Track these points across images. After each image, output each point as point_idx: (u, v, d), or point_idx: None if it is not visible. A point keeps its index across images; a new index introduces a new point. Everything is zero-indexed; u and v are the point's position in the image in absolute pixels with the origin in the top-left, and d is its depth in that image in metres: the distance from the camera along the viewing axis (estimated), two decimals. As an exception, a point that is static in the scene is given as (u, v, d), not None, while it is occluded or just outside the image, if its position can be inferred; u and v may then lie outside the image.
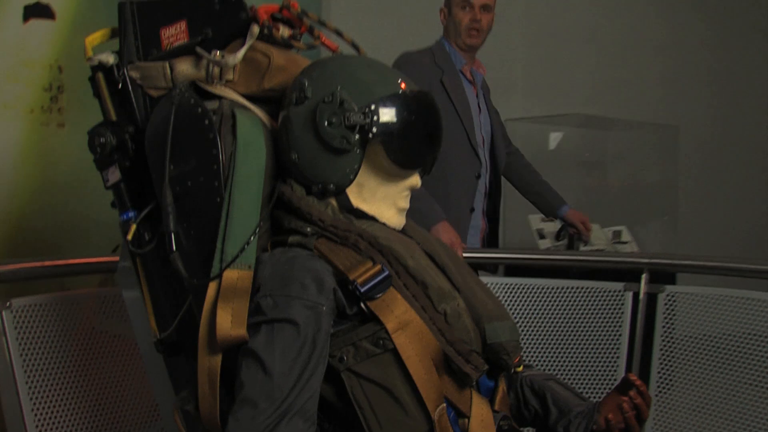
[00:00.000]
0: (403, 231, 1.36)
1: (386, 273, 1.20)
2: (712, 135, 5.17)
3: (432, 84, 2.74)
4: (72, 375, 1.94)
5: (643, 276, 2.38)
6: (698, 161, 5.05)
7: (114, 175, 1.44)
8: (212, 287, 1.21)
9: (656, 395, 2.30)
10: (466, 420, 1.23)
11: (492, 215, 2.89)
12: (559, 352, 2.44)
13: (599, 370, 2.40)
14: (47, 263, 2.02)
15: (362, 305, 1.19)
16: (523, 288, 2.49)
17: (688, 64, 5.11)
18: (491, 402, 1.31)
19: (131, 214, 1.42)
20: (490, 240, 2.91)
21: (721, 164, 5.19)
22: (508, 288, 2.48)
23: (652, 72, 4.97)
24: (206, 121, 1.30)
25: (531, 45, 4.41)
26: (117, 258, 2.40)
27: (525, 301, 2.47)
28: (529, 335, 2.45)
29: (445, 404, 1.20)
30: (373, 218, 1.32)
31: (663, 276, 2.44)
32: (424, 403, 1.17)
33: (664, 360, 2.32)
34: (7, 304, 1.86)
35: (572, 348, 2.44)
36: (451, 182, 2.74)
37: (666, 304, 2.33)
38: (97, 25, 2.76)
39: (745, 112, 5.30)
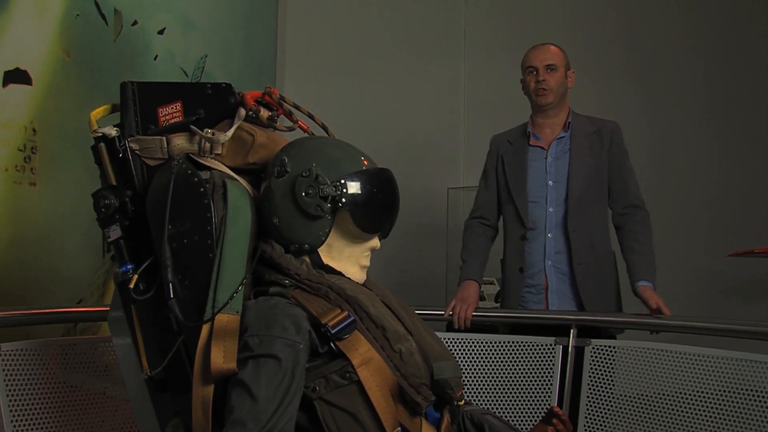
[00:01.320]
0: (364, 285, 1.61)
1: (352, 318, 1.45)
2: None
3: (497, 161, 2.98)
4: (55, 415, 2.10)
5: (572, 331, 2.63)
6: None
7: (115, 232, 1.65)
8: (205, 329, 1.43)
9: (585, 430, 2.56)
10: None
11: (566, 277, 2.84)
12: (498, 401, 2.68)
13: (533, 416, 2.63)
14: (33, 311, 2.19)
15: (332, 344, 1.43)
16: (466, 342, 2.73)
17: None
18: (438, 430, 1.54)
19: (129, 266, 1.63)
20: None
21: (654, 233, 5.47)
22: (452, 342, 2.71)
23: None
24: (201, 189, 1.54)
25: (474, 118, 4.69)
26: (86, 308, 2.59)
27: (467, 354, 2.71)
28: (471, 386, 2.68)
29: (400, 429, 1.43)
30: (340, 273, 1.57)
31: (589, 331, 2.69)
32: (383, 427, 1.40)
33: (591, 403, 2.57)
34: (-3, 348, 2.01)
35: (509, 397, 2.68)
36: (507, 247, 2.96)
37: (592, 355, 2.60)
38: (70, 92, 2.94)
39: (670, 181, 5.60)
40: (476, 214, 3.02)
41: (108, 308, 1.78)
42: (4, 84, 2.79)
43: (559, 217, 2.86)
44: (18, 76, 2.84)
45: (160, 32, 3.38)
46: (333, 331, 1.41)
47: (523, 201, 2.88)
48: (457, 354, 2.69)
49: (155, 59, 3.36)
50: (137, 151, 1.67)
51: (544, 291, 2.85)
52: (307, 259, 1.56)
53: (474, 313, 2.77)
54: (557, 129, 2.94)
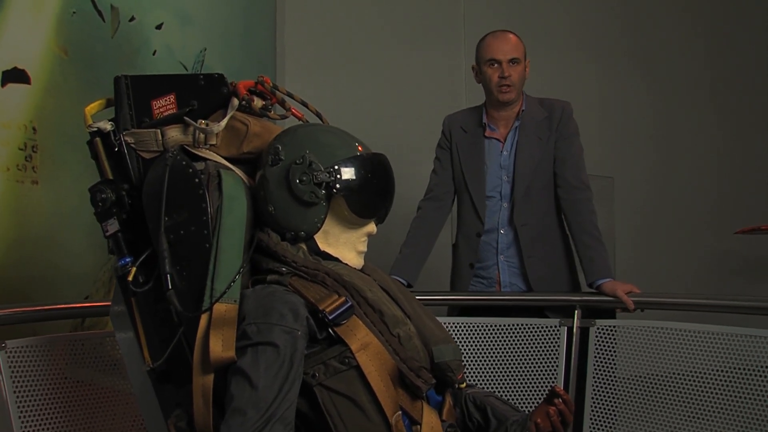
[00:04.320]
0: (362, 270, 1.61)
1: (349, 303, 1.45)
2: (643, 184, 5.45)
3: (451, 148, 2.92)
4: (62, 411, 2.11)
5: (576, 312, 2.64)
6: (632, 208, 5.30)
7: (113, 226, 1.65)
8: (204, 318, 1.43)
9: (591, 410, 2.57)
10: (419, 426, 1.46)
11: (518, 271, 2.84)
12: (503, 384, 2.68)
13: (540, 398, 2.62)
14: (39, 308, 2.21)
15: (330, 330, 1.43)
16: (469, 326, 2.72)
17: (622, 121, 5.38)
18: (439, 413, 1.54)
19: (128, 259, 1.63)
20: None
21: (653, 211, 5.46)
22: (457, 326, 2.71)
23: (591, 128, 5.08)
24: (196, 180, 1.54)
25: (475, 103, 4.70)
26: (92, 303, 2.61)
27: (471, 338, 2.71)
28: (476, 370, 2.69)
29: (400, 412, 1.43)
30: (337, 259, 1.57)
31: (594, 312, 2.68)
32: (383, 411, 1.41)
33: (597, 383, 2.58)
34: (2, 344, 2.03)
35: (515, 380, 2.68)
36: (459, 239, 2.94)
37: (597, 336, 2.60)
38: (69, 90, 2.95)
39: (676, 163, 5.60)
40: (430, 195, 2.96)
41: (114, 303, 1.79)
42: (3, 84, 2.80)
43: (510, 212, 2.84)
44: (16, 76, 2.85)
45: (158, 27, 3.38)
46: (331, 317, 1.42)
47: (481, 199, 2.85)
48: (462, 338, 2.69)
49: (154, 54, 3.36)
50: (132, 145, 1.67)
51: (497, 285, 2.86)
52: (304, 247, 1.56)
53: (476, 297, 2.80)
54: (511, 120, 2.89)
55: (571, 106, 2.89)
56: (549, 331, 2.66)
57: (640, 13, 5.54)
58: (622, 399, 2.54)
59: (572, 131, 2.86)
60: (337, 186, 1.52)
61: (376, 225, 1.62)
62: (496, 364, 2.69)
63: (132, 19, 3.26)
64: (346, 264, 1.57)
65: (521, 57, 2.82)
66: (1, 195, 2.80)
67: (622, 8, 5.45)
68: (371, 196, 1.57)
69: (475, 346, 2.70)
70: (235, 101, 1.62)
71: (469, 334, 2.71)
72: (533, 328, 2.69)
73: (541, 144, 2.84)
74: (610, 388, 2.56)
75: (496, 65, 2.81)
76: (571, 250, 2.90)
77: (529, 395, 2.65)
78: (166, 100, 1.67)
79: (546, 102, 2.91)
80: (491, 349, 2.69)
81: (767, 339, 2.33)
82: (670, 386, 2.46)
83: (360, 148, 1.57)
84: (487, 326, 2.71)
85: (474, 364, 2.67)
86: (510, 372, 2.67)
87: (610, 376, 2.56)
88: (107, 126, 1.68)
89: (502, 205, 2.85)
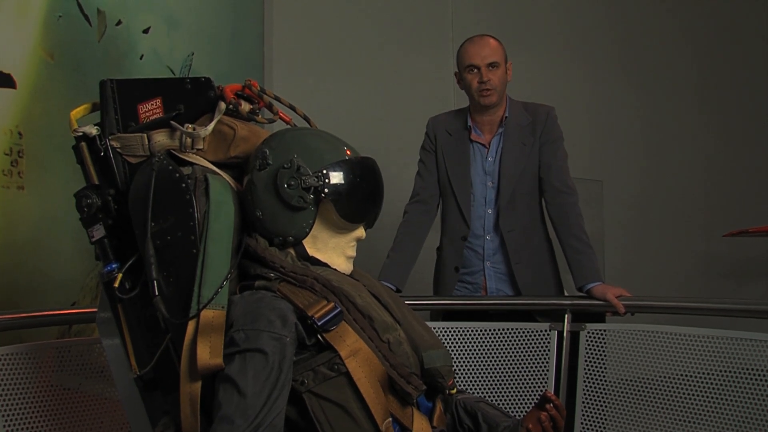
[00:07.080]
0: (351, 275, 1.60)
1: (338, 309, 1.43)
2: (633, 188, 5.45)
3: (436, 150, 2.92)
4: (48, 419, 2.09)
5: (566, 316, 2.63)
6: (621, 212, 5.31)
7: (98, 231, 1.63)
8: (191, 325, 1.42)
9: (582, 414, 2.56)
10: None
11: (505, 277, 2.85)
12: (494, 389, 2.67)
13: (530, 403, 2.62)
14: (26, 314, 2.19)
15: (319, 336, 1.42)
16: (459, 331, 2.71)
17: (611, 124, 5.39)
18: (430, 419, 1.53)
19: (114, 265, 1.62)
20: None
21: (642, 214, 5.46)
22: (447, 331, 2.70)
23: (580, 132, 4.92)
24: (183, 185, 1.52)
25: (464, 106, 4.71)
26: (79, 310, 2.58)
27: (461, 343, 2.69)
28: (467, 375, 2.67)
29: (390, 419, 1.42)
30: (326, 265, 1.56)
31: (584, 315, 2.68)
32: (373, 418, 1.39)
33: (587, 386, 2.58)
34: (-16, 352, 2.00)
35: (505, 384, 2.67)
36: (443, 242, 2.94)
37: (587, 339, 2.59)
38: (55, 94, 2.92)
39: (664, 167, 5.62)
40: (416, 198, 2.96)
41: (102, 310, 1.76)
42: (-13, 88, 2.78)
43: (495, 218, 2.84)
44: (2, 80, 2.82)
45: (145, 31, 3.36)
46: (320, 323, 1.40)
47: (467, 203, 2.86)
48: (452, 343, 2.68)
49: (141, 59, 3.34)
50: (118, 149, 1.65)
51: (483, 291, 2.86)
52: (292, 252, 1.55)
53: (466, 302, 2.79)
54: (495, 125, 2.88)
55: (555, 111, 2.89)
56: (539, 335, 2.65)
57: (629, 17, 5.55)
58: (613, 402, 2.54)
59: (557, 136, 2.86)
60: (326, 190, 1.51)
61: (365, 229, 1.61)
62: (487, 369, 2.67)
63: (119, 23, 3.24)
64: (335, 269, 1.56)
65: (500, 60, 2.81)
66: (-15, 201, 2.77)
67: (610, 12, 5.47)
68: (360, 201, 1.56)
69: (466, 351, 2.68)
70: (222, 105, 1.61)
71: (459, 339, 2.70)
72: (523, 332, 2.67)
73: (525, 150, 2.84)
74: (601, 392, 2.55)
75: (475, 71, 2.81)
76: (555, 254, 2.91)
77: (519, 400, 2.64)
78: (152, 104, 1.66)
79: (530, 106, 2.91)
80: (481, 354, 2.68)
81: (755, 341, 2.33)
82: (660, 389, 2.46)
83: (348, 152, 1.56)
84: (477, 331, 2.70)
85: (464, 370, 2.66)
86: (500, 377, 2.66)
87: (601, 379, 2.55)
88: (93, 130, 1.67)
89: (486, 210, 2.86)
